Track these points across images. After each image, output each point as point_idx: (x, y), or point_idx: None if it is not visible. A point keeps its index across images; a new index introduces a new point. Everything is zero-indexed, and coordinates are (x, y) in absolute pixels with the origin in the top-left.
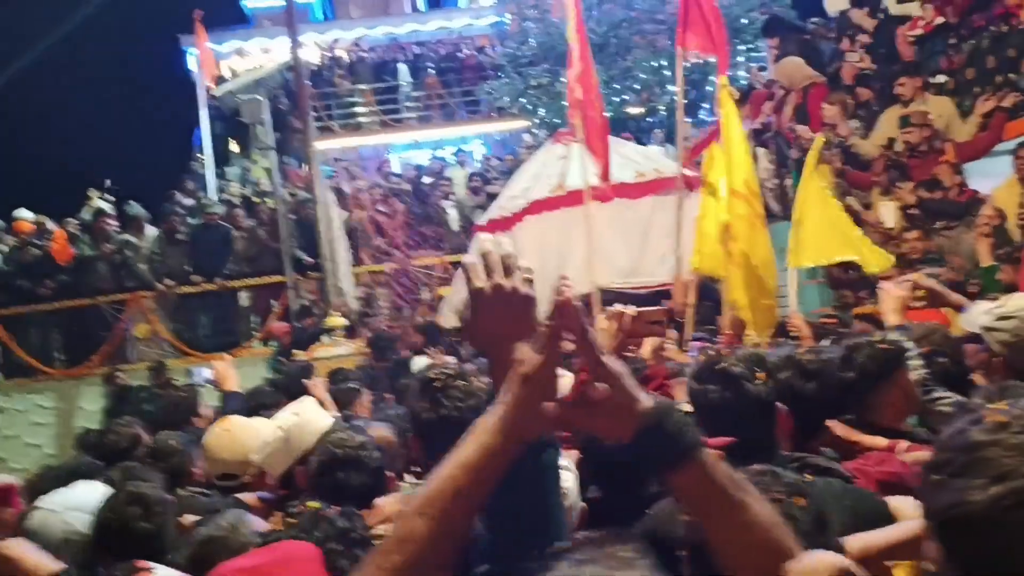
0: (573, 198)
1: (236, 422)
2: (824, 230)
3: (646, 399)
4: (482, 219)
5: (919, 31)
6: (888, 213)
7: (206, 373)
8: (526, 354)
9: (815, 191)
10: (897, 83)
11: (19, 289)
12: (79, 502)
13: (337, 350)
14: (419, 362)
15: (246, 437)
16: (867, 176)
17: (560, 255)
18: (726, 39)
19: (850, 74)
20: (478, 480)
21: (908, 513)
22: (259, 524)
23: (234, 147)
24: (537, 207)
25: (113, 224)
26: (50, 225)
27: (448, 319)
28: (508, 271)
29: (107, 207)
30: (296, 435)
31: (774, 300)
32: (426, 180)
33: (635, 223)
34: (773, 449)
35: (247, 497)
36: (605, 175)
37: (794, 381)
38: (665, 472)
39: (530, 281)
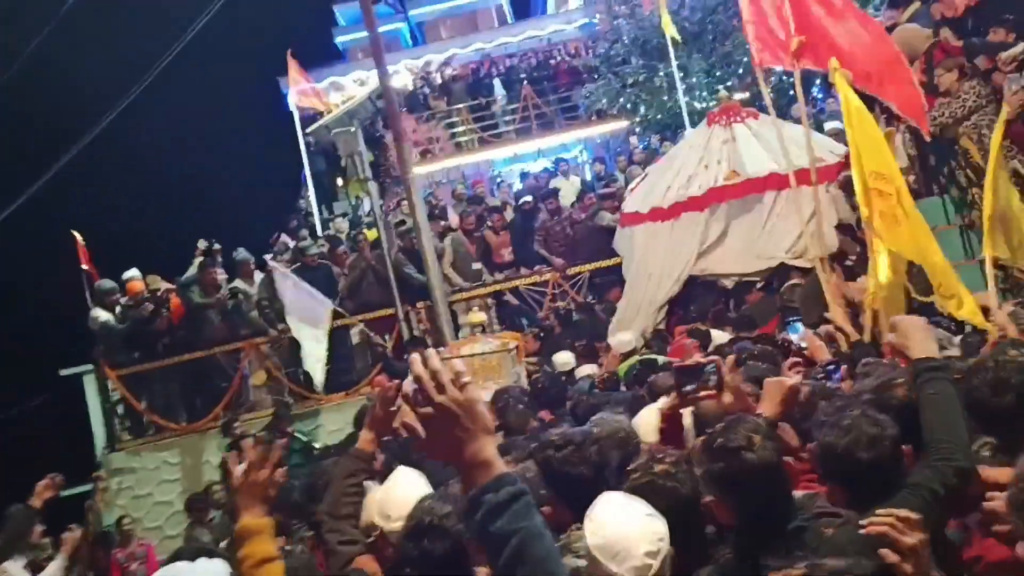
0: (750, 186)
1: (395, 480)
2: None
3: (482, 435)
4: (633, 206)
5: None
6: None
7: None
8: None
9: (1004, 178)
10: (1000, 59)
11: (138, 349)
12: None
13: (481, 347)
14: (584, 370)
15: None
16: None
17: (743, 242)
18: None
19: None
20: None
21: None
22: None
23: (341, 182)
24: (715, 195)
25: (221, 273)
26: (162, 284)
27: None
28: (441, 389)
29: (200, 259)
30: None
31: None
32: (527, 199)
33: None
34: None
35: (363, 560)
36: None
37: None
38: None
39: (465, 385)
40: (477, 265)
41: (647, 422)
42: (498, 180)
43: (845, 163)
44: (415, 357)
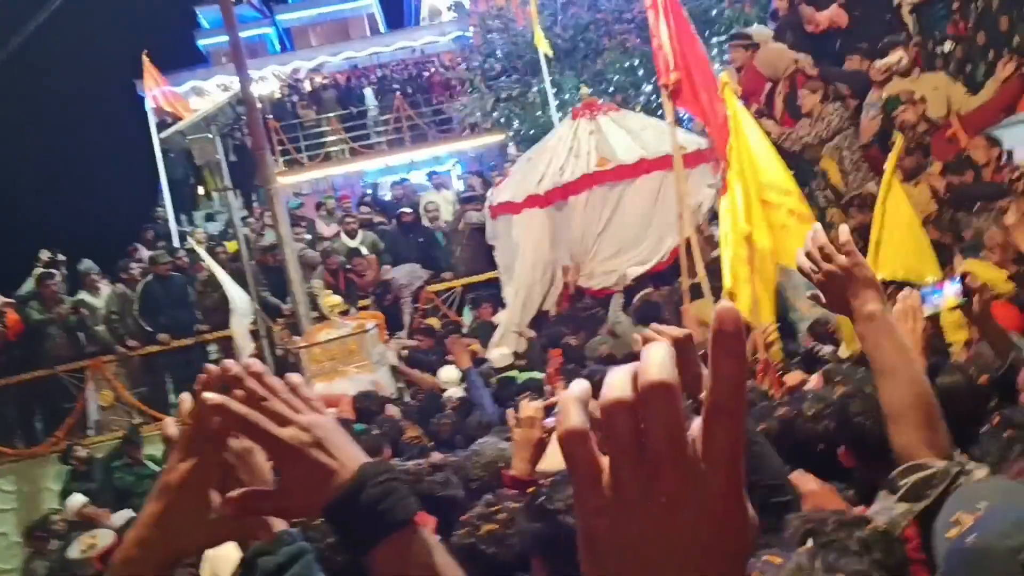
0: (621, 172)
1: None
2: (910, 244)
3: (349, 463)
4: (504, 196)
5: None
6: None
7: None
8: (169, 463)
9: (899, 198)
10: (872, 69)
11: None
12: None
13: (338, 331)
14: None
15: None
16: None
17: (618, 229)
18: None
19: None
20: None
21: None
22: None
23: (202, 190)
24: (587, 181)
25: (59, 286)
26: None
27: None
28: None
29: (51, 270)
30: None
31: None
32: (406, 210)
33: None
34: None
35: None
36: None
37: None
38: (361, 551)
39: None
40: None
41: None
42: (368, 192)
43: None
44: (184, 397)
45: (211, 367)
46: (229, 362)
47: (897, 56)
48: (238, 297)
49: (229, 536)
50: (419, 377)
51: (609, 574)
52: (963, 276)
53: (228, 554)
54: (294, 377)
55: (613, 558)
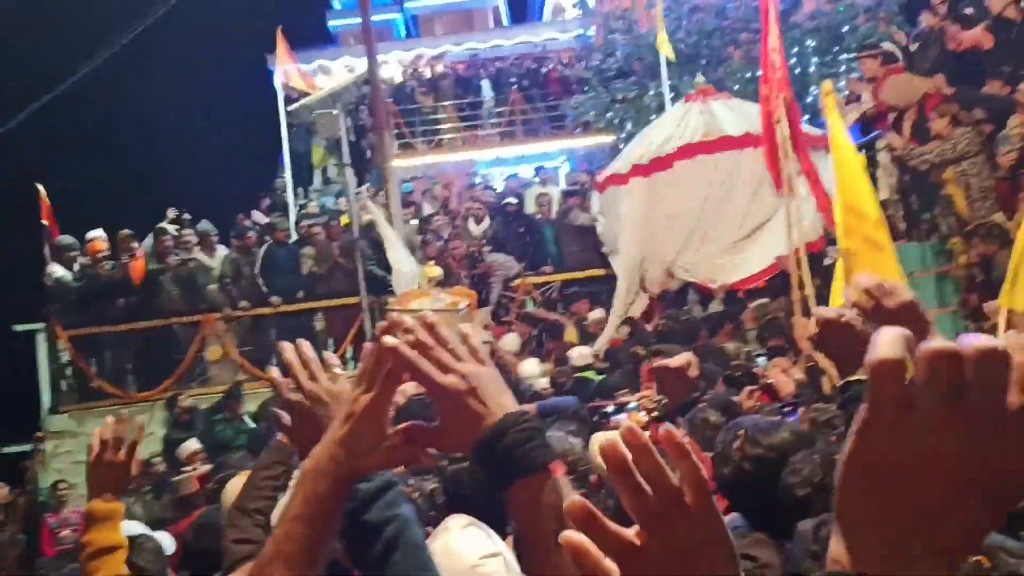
0: (726, 143)
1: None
2: None
3: (497, 410)
4: (609, 171)
5: None
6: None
7: None
8: (354, 393)
9: None
10: (1021, 90)
11: (92, 310)
12: None
13: (430, 302)
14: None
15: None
16: (1016, 194)
17: (724, 208)
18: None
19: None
20: (315, 530)
21: None
22: None
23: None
24: (690, 150)
25: (173, 242)
26: (134, 245)
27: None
28: (314, 377)
29: (170, 227)
30: None
31: None
32: (511, 200)
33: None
34: None
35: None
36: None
37: None
38: (505, 485)
39: (336, 378)
40: None
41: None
42: (479, 183)
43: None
44: (285, 344)
45: (393, 316)
46: (403, 316)
47: None
48: (403, 258)
49: (399, 461)
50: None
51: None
52: None
53: None
54: (466, 327)
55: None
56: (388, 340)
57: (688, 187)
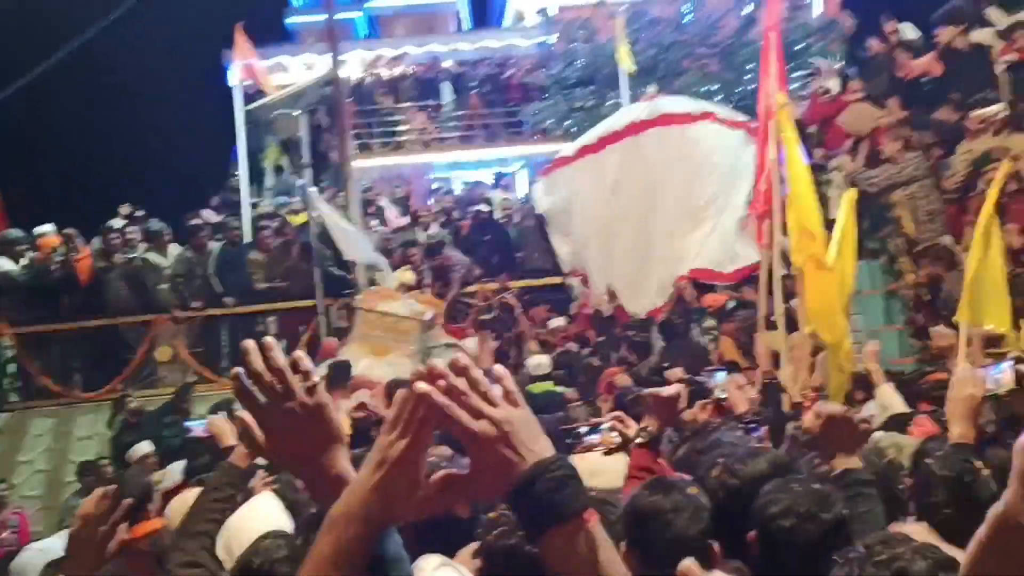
0: (669, 119)
1: (248, 509)
2: (990, 289)
3: (529, 457)
4: (563, 153)
5: (1012, 56)
6: None
7: (198, 430)
8: (387, 439)
9: (996, 245)
10: (970, 117)
11: (39, 307)
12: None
13: (399, 307)
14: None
15: (235, 530)
16: (962, 217)
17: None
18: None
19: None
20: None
21: None
22: None
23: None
24: (635, 128)
25: (119, 239)
26: (79, 242)
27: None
28: (285, 385)
29: (119, 223)
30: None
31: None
32: (483, 208)
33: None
34: None
35: None
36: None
37: None
38: (536, 534)
39: (312, 388)
40: None
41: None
42: (439, 186)
43: None
44: (250, 346)
45: (431, 363)
46: (437, 362)
47: (997, 108)
48: (364, 251)
49: (434, 510)
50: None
51: None
52: (1017, 360)
53: (243, 527)
54: (499, 369)
55: None
56: (420, 386)
57: (635, 163)
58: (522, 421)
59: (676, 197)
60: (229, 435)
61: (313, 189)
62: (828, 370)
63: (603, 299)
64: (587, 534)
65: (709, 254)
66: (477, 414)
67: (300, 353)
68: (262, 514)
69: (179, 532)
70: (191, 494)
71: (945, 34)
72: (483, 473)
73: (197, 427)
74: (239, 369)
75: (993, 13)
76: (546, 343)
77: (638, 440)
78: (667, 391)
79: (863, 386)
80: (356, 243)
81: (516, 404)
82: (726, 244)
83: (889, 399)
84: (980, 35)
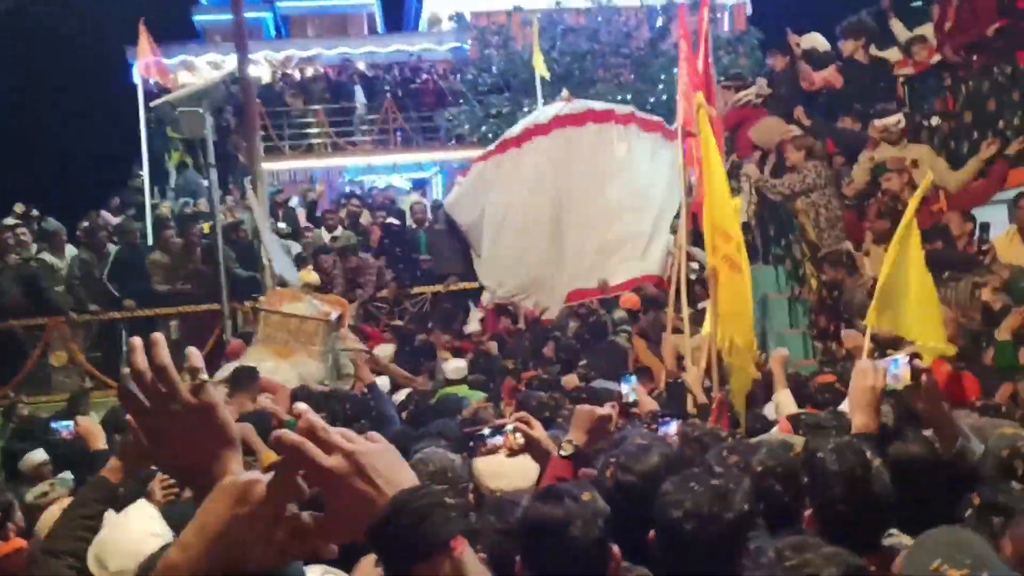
0: (591, 116)
1: (123, 519)
2: (911, 298)
3: (388, 490)
4: (485, 151)
5: (909, 70)
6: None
7: (65, 432)
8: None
9: (916, 253)
10: (872, 127)
11: None
12: None
13: (303, 307)
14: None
15: (108, 541)
16: (861, 223)
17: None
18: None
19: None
20: None
21: None
22: None
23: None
24: (559, 122)
25: (13, 240)
26: None
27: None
28: (169, 384)
29: (11, 221)
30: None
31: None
32: (394, 221)
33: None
34: None
35: None
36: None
37: None
38: (402, 572)
39: (199, 388)
40: None
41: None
42: (352, 190)
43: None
44: (136, 343)
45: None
46: (301, 406)
47: (897, 118)
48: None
49: (292, 558)
50: (407, 377)
51: None
52: (912, 356)
53: (116, 539)
54: (349, 339)
55: None
56: (275, 433)
57: (555, 161)
58: (377, 453)
59: (590, 196)
60: (99, 438)
61: (249, 188)
62: (732, 370)
63: (518, 299)
64: (454, 564)
65: (623, 261)
66: (329, 449)
67: (190, 350)
68: (137, 523)
69: (43, 550)
70: (60, 507)
71: (847, 46)
72: (340, 513)
73: (63, 428)
74: (126, 370)
75: (896, 26)
76: (458, 349)
77: (562, 452)
78: (602, 410)
79: (765, 388)
80: (280, 253)
81: (375, 439)
82: (637, 249)
83: (784, 401)
84: (882, 50)
